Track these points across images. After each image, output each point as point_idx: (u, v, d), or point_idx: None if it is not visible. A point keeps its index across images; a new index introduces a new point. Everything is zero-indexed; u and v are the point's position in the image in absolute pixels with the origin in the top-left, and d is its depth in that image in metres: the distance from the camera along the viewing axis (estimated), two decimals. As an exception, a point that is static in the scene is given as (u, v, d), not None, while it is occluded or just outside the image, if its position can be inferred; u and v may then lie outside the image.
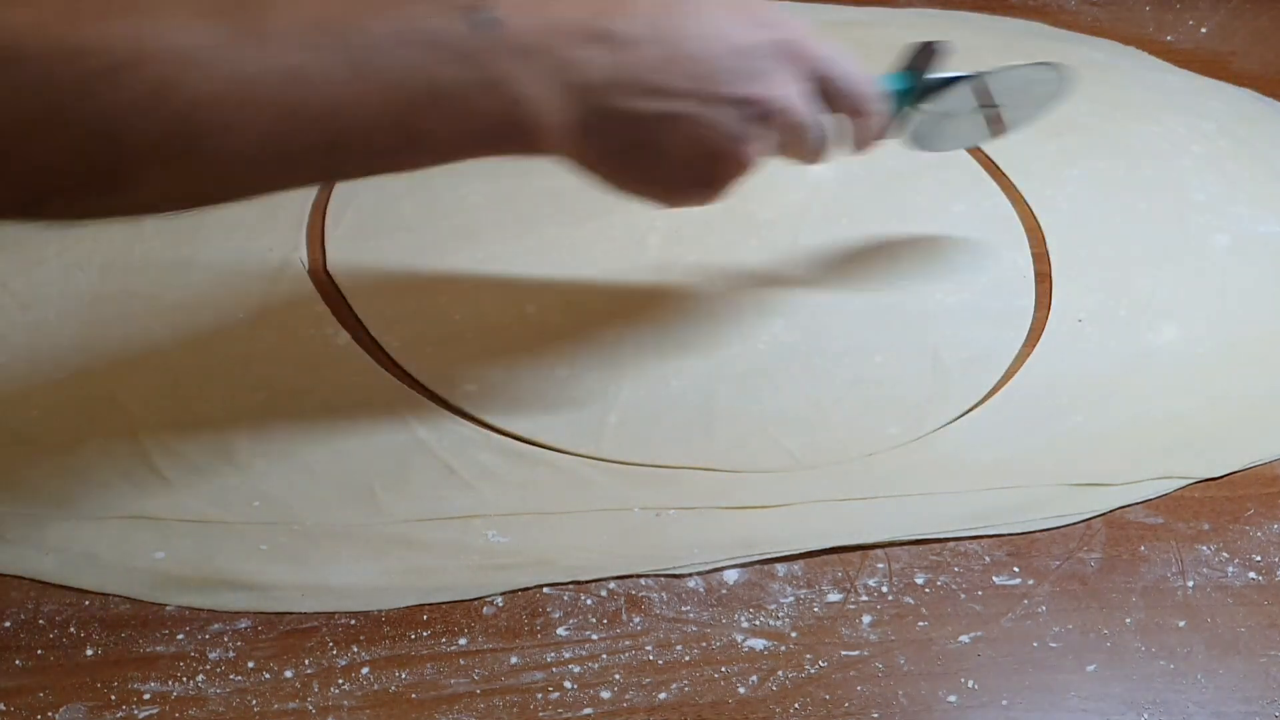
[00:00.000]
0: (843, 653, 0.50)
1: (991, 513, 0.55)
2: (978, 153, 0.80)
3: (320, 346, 0.63)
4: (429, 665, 0.49)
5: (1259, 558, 0.54)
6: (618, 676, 0.48)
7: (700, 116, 0.49)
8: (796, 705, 0.48)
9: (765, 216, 0.74)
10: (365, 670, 0.48)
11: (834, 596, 0.52)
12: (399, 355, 0.63)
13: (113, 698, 0.47)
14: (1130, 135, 0.81)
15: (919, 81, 0.62)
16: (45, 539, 0.53)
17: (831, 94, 0.54)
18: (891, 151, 0.80)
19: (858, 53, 0.90)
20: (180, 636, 0.49)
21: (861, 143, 0.60)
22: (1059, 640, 0.50)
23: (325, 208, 0.73)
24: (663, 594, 0.52)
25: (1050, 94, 0.64)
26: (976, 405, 0.62)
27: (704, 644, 0.50)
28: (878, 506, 0.56)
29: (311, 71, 0.42)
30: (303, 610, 0.51)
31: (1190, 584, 0.53)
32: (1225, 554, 0.54)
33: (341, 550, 0.53)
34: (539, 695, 0.48)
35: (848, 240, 0.72)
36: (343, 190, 0.75)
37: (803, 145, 0.54)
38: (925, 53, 0.63)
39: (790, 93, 0.51)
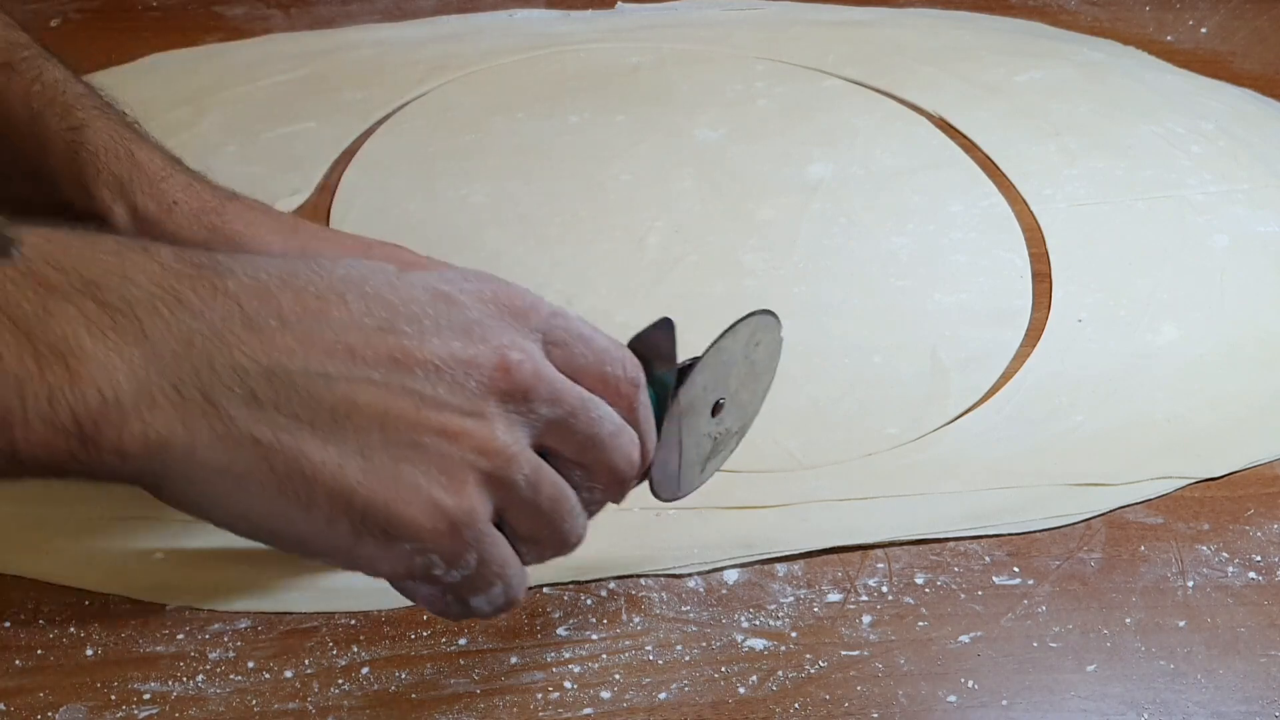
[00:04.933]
0: (843, 653, 0.49)
1: (991, 512, 0.55)
2: (976, 151, 0.80)
3: (320, 346, 0.63)
4: (429, 665, 0.49)
5: (1259, 558, 0.54)
6: (618, 676, 0.48)
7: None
8: (796, 705, 0.47)
9: (764, 216, 0.74)
10: (365, 670, 0.48)
11: (834, 596, 0.52)
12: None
13: (113, 698, 0.47)
14: (1130, 135, 0.81)
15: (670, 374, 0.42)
16: (45, 539, 0.53)
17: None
18: (889, 150, 0.80)
19: (858, 53, 0.90)
20: (180, 636, 0.49)
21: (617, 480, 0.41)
22: (1059, 640, 0.50)
23: (329, 207, 0.74)
24: (663, 594, 0.52)
25: (773, 354, 0.47)
26: (976, 405, 0.62)
27: (704, 644, 0.50)
28: (878, 506, 0.56)
29: None
30: (303, 610, 0.50)
31: (1190, 584, 0.53)
32: (1225, 554, 0.54)
33: (341, 550, 0.53)
34: (539, 695, 0.48)
35: (846, 240, 0.72)
36: (346, 190, 0.75)
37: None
38: (657, 338, 0.42)
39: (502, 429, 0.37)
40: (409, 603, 0.50)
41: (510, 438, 0.36)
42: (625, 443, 0.39)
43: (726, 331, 0.44)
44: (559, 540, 0.39)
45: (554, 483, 0.38)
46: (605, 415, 0.38)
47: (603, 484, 0.39)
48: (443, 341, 0.35)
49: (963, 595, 0.52)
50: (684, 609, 0.51)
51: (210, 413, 0.33)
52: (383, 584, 0.51)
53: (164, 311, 0.33)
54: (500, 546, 0.37)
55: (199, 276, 0.34)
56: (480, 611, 0.39)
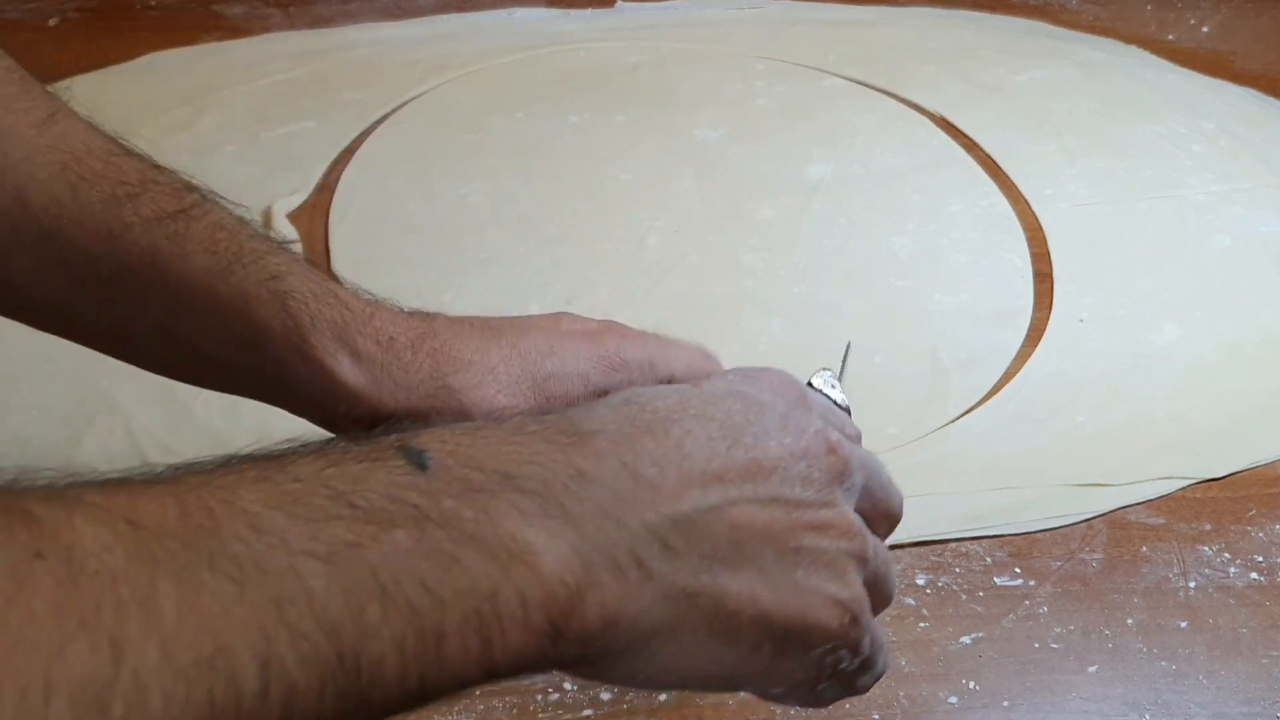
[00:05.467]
0: (843, 654, 0.49)
1: (992, 513, 0.55)
2: (977, 151, 0.80)
3: (319, 346, 0.63)
4: (428, 666, 0.48)
5: (1261, 558, 0.54)
6: (618, 678, 0.48)
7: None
8: (797, 707, 0.47)
9: (765, 216, 0.74)
10: (365, 671, 0.48)
11: (835, 597, 0.52)
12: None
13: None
14: (1131, 135, 0.81)
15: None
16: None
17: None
18: (889, 150, 0.80)
19: (859, 52, 0.90)
20: (179, 638, 0.49)
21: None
22: (1060, 641, 0.50)
23: (329, 207, 0.73)
24: (663, 595, 0.51)
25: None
26: (977, 405, 0.62)
27: (704, 645, 0.50)
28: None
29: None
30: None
31: (1192, 585, 0.53)
32: (1227, 554, 0.54)
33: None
34: (538, 697, 0.47)
35: (846, 240, 0.72)
36: (346, 189, 0.75)
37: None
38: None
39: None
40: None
41: (854, 515, 0.38)
42: (896, 486, 0.41)
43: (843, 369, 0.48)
44: (890, 597, 0.40)
45: (882, 546, 0.39)
46: (881, 465, 0.41)
47: (884, 532, 0.41)
48: (777, 443, 0.37)
49: (964, 596, 0.52)
50: (684, 610, 0.51)
51: (644, 576, 0.33)
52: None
53: (574, 487, 0.33)
54: (876, 622, 0.39)
55: (577, 444, 0.34)
56: (863, 690, 0.40)
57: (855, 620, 0.37)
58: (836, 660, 0.37)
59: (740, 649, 0.35)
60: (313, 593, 0.27)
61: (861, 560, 0.37)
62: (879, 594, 0.39)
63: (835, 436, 0.38)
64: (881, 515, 0.40)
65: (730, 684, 0.37)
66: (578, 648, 0.32)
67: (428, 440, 0.32)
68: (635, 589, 0.32)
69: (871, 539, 0.38)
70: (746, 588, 0.34)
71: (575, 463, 0.33)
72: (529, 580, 0.30)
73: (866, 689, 0.40)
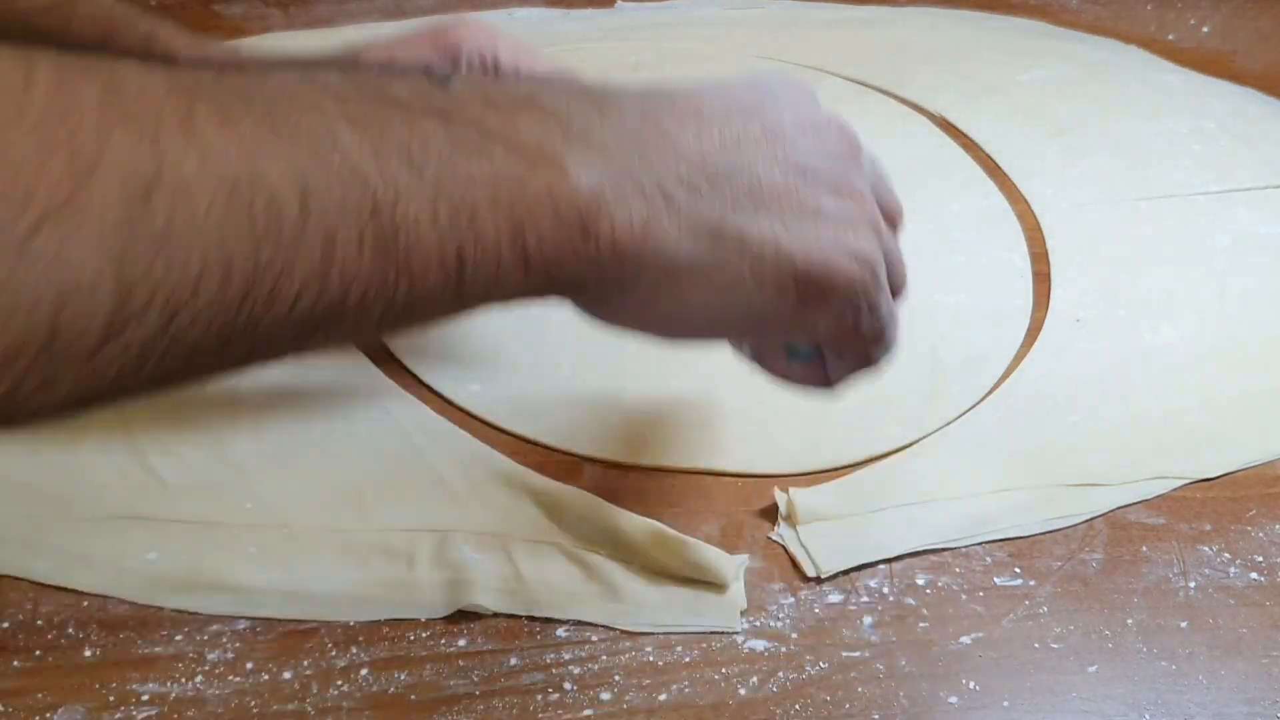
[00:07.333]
0: (843, 654, 0.49)
1: (992, 516, 0.55)
2: (977, 151, 0.80)
3: (319, 346, 0.63)
4: (428, 666, 0.48)
5: (1261, 558, 0.54)
6: (617, 678, 0.48)
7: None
8: (797, 707, 0.47)
9: (765, 216, 0.74)
10: (364, 671, 0.48)
11: (834, 598, 0.52)
12: (403, 355, 0.63)
13: (111, 699, 0.47)
14: (1131, 135, 0.81)
15: None
16: (42, 540, 0.53)
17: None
18: (889, 150, 0.80)
19: (859, 52, 0.90)
20: (178, 638, 0.49)
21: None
22: (1060, 641, 0.50)
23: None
24: (663, 595, 0.52)
25: None
26: (971, 408, 0.61)
27: (704, 645, 0.50)
28: (879, 519, 0.55)
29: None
30: (285, 616, 0.50)
31: (1192, 585, 0.53)
32: (1227, 554, 0.54)
33: (325, 555, 0.52)
34: (538, 696, 0.47)
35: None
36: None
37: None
38: None
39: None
40: (383, 616, 0.50)
41: (868, 190, 0.40)
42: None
43: None
44: (903, 279, 0.42)
45: (891, 235, 0.41)
46: (882, 163, 0.42)
47: (893, 227, 0.42)
48: (793, 116, 0.38)
49: (964, 596, 0.52)
50: (684, 610, 0.51)
51: (670, 204, 0.34)
52: (359, 593, 0.51)
53: (597, 121, 0.34)
54: (887, 290, 0.40)
55: (598, 95, 0.35)
56: (874, 361, 0.41)
57: (874, 274, 0.38)
58: (857, 313, 0.38)
59: (766, 290, 0.36)
60: (345, 146, 0.28)
61: (876, 229, 0.39)
62: (893, 274, 0.40)
63: (843, 119, 0.40)
64: (887, 211, 0.41)
65: (758, 326, 0.38)
66: (609, 254, 0.33)
67: (451, 72, 0.34)
68: (662, 214, 0.34)
69: (883, 222, 0.39)
70: (768, 231, 0.36)
71: (598, 104, 0.35)
72: (555, 177, 0.31)
73: (877, 361, 0.41)
